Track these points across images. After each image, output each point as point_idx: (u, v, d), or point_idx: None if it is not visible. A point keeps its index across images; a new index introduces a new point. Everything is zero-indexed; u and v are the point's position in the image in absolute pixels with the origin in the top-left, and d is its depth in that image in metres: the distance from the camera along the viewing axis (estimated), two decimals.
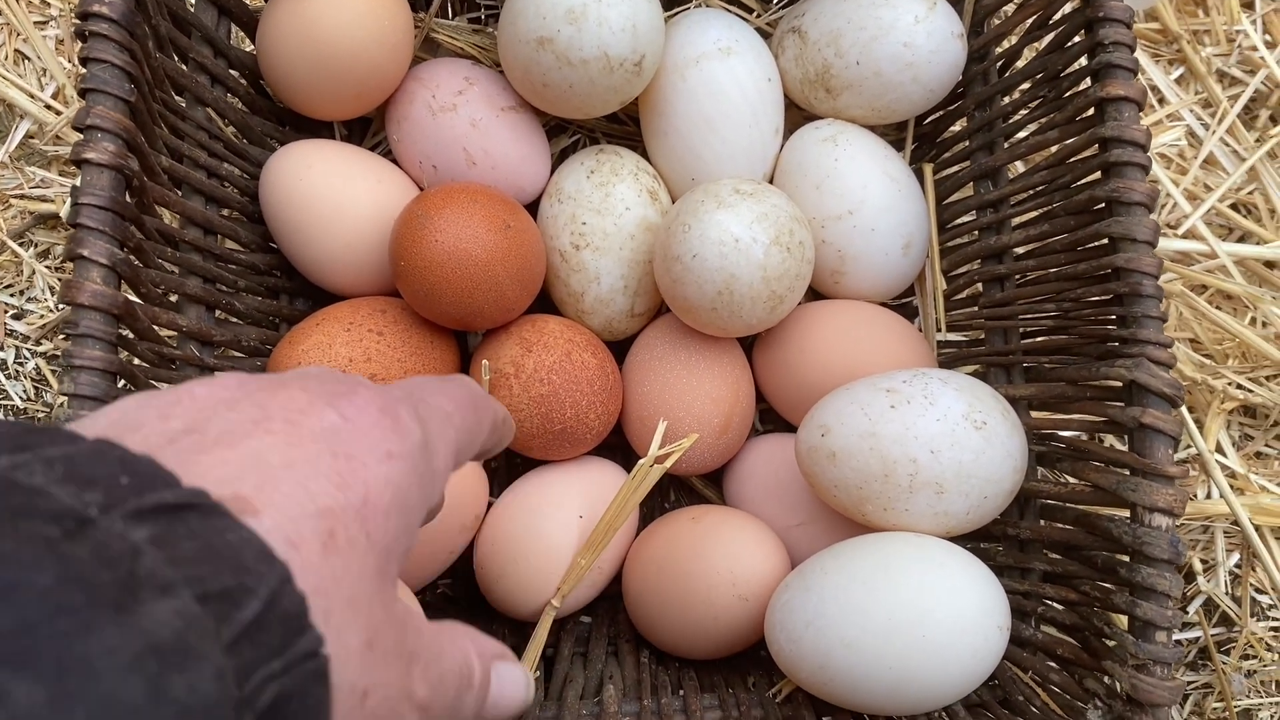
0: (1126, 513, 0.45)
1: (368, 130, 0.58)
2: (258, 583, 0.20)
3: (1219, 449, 0.62)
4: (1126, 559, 0.44)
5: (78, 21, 0.41)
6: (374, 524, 0.24)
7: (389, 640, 0.25)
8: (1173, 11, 0.68)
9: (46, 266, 0.59)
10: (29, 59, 0.60)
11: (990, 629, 0.43)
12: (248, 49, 0.54)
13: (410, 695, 0.26)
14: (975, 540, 0.52)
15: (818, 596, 0.44)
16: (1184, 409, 0.62)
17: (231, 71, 0.52)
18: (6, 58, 0.60)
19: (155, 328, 0.44)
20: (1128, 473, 0.44)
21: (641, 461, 0.48)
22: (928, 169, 0.57)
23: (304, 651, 0.20)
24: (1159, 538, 0.42)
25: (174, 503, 0.20)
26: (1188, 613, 0.61)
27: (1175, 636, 0.45)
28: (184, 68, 0.49)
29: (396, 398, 0.27)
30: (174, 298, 0.47)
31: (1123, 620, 0.44)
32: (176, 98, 0.49)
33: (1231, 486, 0.61)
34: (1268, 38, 0.69)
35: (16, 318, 0.59)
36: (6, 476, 0.19)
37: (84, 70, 0.41)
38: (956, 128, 0.58)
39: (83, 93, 0.41)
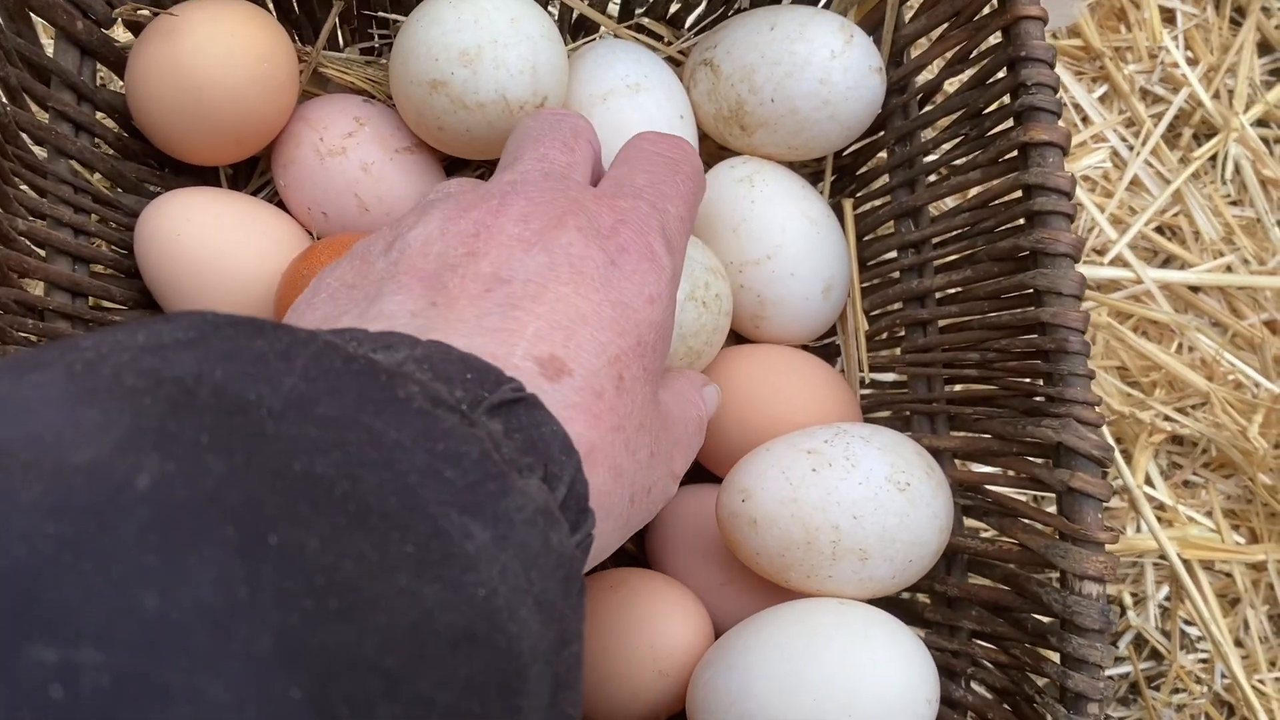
0: (1053, 575, 0.44)
1: (253, 173, 0.54)
2: (563, 470, 0.25)
3: (1148, 480, 0.61)
4: (1057, 624, 0.42)
5: None
6: (648, 359, 0.30)
7: (665, 443, 0.32)
8: (1095, 27, 0.66)
9: None
10: None
11: (919, 704, 0.41)
12: (118, 88, 0.50)
13: (675, 474, 0.34)
14: (903, 591, 0.50)
15: (741, 675, 0.42)
16: (1111, 441, 0.61)
17: (99, 116, 0.48)
18: None
19: None
20: (1057, 536, 0.43)
21: None
22: (848, 205, 0.55)
23: (586, 531, 0.26)
24: (1089, 607, 0.41)
25: (509, 399, 0.24)
26: (1118, 647, 0.60)
27: (1106, 673, 0.44)
28: (44, 118, 0.45)
29: (653, 228, 0.32)
30: None
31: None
32: (36, 149, 0.45)
33: (1160, 519, 0.60)
34: (1189, 54, 0.67)
35: None
36: (407, 371, 0.23)
37: None
38: (877, 160, 0.56)
39: None
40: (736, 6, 0.54)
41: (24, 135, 0.43)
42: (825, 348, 0.56)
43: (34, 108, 0.45)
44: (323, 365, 0.21)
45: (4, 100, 0.41)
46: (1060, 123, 0.44)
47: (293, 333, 0.22)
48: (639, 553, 0.55)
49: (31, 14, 0.44)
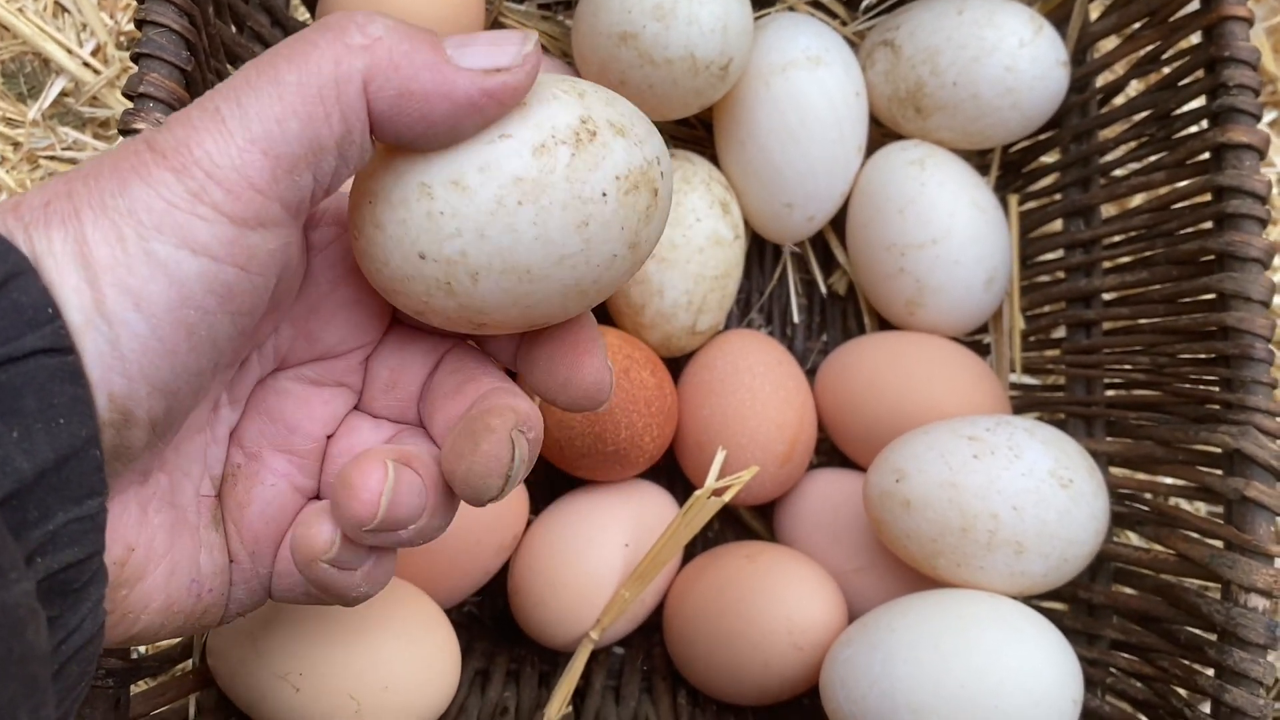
0: (1213, 586, 0.42)
1: None
2: None
3: None
4: (1214, 638, 0.41)
5: None
6: None
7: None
8: (1270, 51, 0.64)
9: None
10: (69, 11, 0.57)
11: (1065, 703, 0.40)
12: (303, 18, 0.51)
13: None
14: (1041, 599, 0.49)
15: (884, 655, 0.41)
16: None
17: None
18: (45, 8, 0.57)
19: None
20: (1222, 545, 0.41)
21: (698, 493, 0.45)
22: (1013, 200, 0.54)
23: (34, 347, 0.20)
24: (1255, 620, 0.39)
25: None
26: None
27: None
28: (240, 36, 0.45)
29: None
30: None
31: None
32: (230, 68, 0.45)
33: None
34: None
35: None
36: None
37: (139, 33, 0.38)
38: (1046, 159, 0.55)
39: (136, 57, 0.37)
40: None
41: (223, 49, 0.44)
42: (974, 344, 0.55)
43: (231, 26, 0.45)
44: None
45: (213, 13, 0.42)
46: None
47: None
48: (767, 532, 0.54)
49: None
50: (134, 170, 0.22)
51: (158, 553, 0.25)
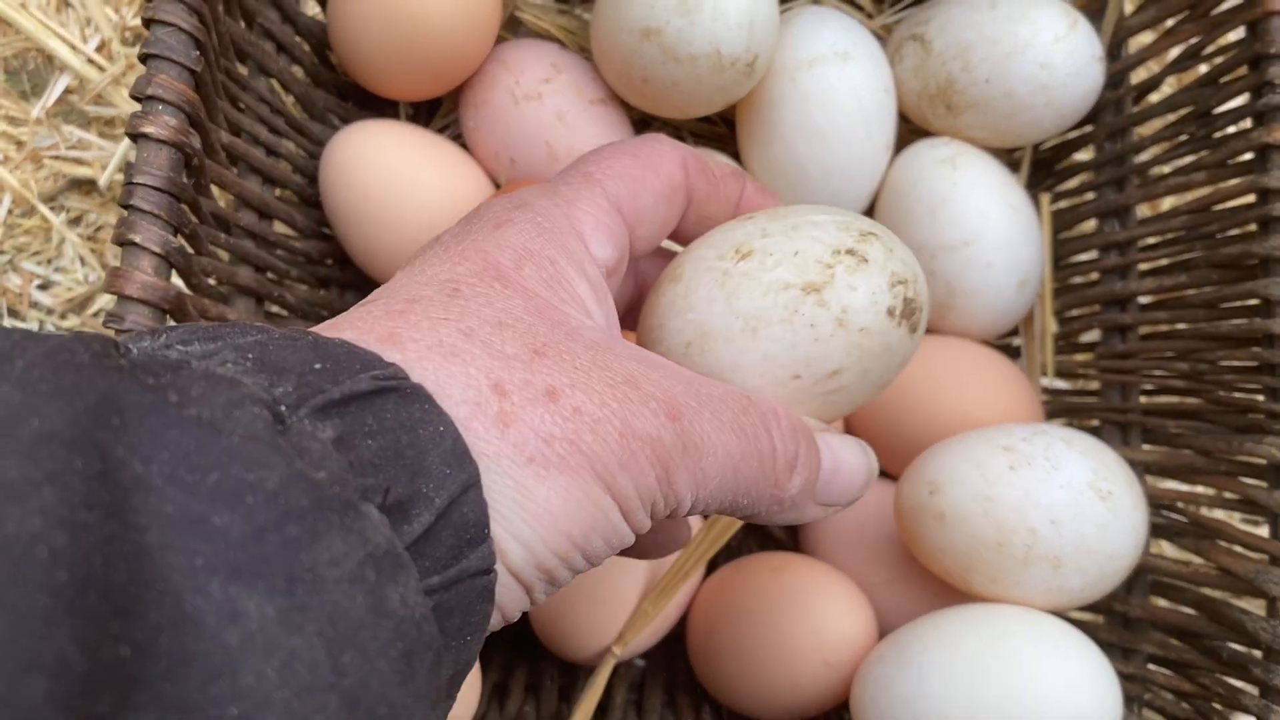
0: (1256, 601, 0.41)
1: (434, 111, 0.53)
2: (436, 491, 0.19)
3: None
4: (1259, 655, 0.40)
5: None
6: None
7: (573, 346, 0.23)
8: None
9: (78, 235, 0.54)
10: (72, 6, 0.55)
11: None
12: (311, 14, 0.50)
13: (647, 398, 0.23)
14: (1075, 610, 0.48)
15: (918, 673, 0.40)
16: None
17: (297, 39, 0.48)
18: (49, 3, 0.55)
19: (204, 322, 0.39)
20: (1267, 560, 0.40)
21: None
22: (1044, 199, 0.52)
23: (473, 569, 0.19)
24: None
25: (366, 390, 0.19)
26: None
27: None
28: (249, 33, 0.44)
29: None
30: (223, 289, 0.42)
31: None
32: (239, 66, 0.44)
33: None
34: None
35: (42, 288, 0.54)
36: (203, 366, 0.18)
37: (145, 30, 0.36)
38: (1079, 156, 0.53)
39: (144, 58, 0.36)
40: None
41: (232, 47, 0.42)
42: (1003, 346, 0.53)
43: (241, 23, 0.44)
44: (56, 363, 0.16)
45: (223, 10, 0.40)
46: None
47: (22, 331, 0.17)
48: (792, 542, 0.53)
49: None
50: None
51: None
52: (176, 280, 0.37)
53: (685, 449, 0.23)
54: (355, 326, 0.21)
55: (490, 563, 0.20)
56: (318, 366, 0.19)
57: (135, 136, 0.35)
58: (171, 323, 0.35)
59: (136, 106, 0.35)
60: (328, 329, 0.22)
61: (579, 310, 0.24)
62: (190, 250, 0.38)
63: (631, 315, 0.34)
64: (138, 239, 0.34)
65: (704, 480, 0.24)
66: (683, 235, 0.33)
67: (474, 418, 0.20)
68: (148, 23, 0.36)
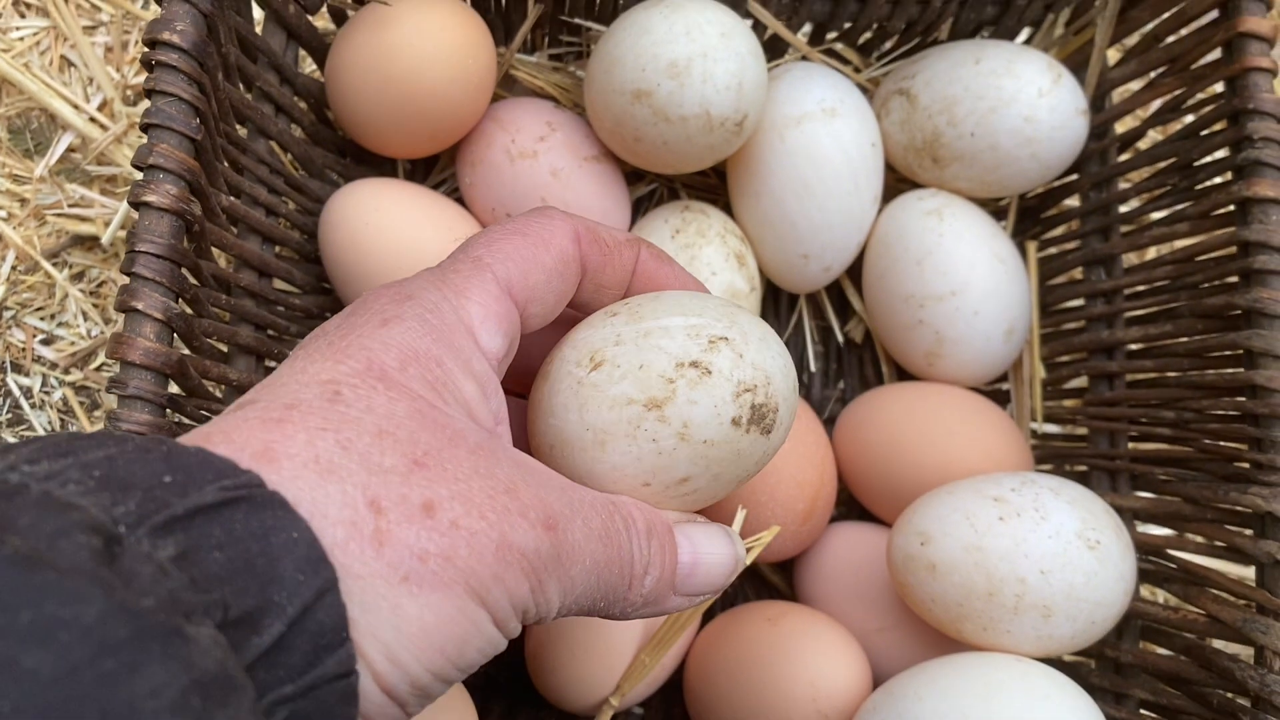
0: (1243, 648, 0.42)
1: (431, 167, 0.54)
2: (289, 599, 0.19)
3: None
4: (1248, 704, 0.40)
5: (145, 49, 0.37)
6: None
7: (461, 462, 0.23)
8: None
9: (81, 290, 0.55)
10: (75, 66, 0.56)
11: None
12: (308, 71, 0.51)
13: (522, 510, 0.23)
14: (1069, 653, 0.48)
15: None
16: None
17: (296, 99, 0.49)
18: (51, 63, 0.56)
19: (205, 383, 0.40)
20: (1254, 609, 0.41)
21: None
22: (1031, 247, 0.53)
23: (330, 674, 0.19)
24: None
25: (213, 502, 0.19)
26: None
27: None
28: (248, 96, 0.45)
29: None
30: (224, 348, 0.43)
31: None
32: (239, 128, 0.45)
33: None
34: None
35: (45, 343, 0.55)
36: (41, 489, 0.17)
37: (146, 92, 0.37)
38: (1064, 204, 0.54)
39: (146, 127, 0.37)
40: (934, 38, 0.53)
41: (231, 111, 0.43)
42: (992, 393, 0.54)
43: (240, 87, 0.45)
44: None
45: (222, 77, 0.41)
46: None
47: None
48: (788, 588, 0.53)
49: None
50: None
51: None
52: (178, 343, 0.37)
53: (559, 559, 0.24)
54: (230, 439, 0.21)
55: (349, 666, 0.20)
56: (167, 480, 0.18)
57: (137, 205, 0.36)
58: (134, 391, 0.35)
59: (140, 179, 0.36)
60: (197, 437, 0.21)
61: (463, 413, 0.25)
62: (191, 313, 0.39)
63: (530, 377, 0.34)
64: (140, 305, 0.35)
65: (571, 587, 0.24)
66: (580, 305, 0.32)
67: (350, 539, 0.20)
68: (150, 93, 0.37)
